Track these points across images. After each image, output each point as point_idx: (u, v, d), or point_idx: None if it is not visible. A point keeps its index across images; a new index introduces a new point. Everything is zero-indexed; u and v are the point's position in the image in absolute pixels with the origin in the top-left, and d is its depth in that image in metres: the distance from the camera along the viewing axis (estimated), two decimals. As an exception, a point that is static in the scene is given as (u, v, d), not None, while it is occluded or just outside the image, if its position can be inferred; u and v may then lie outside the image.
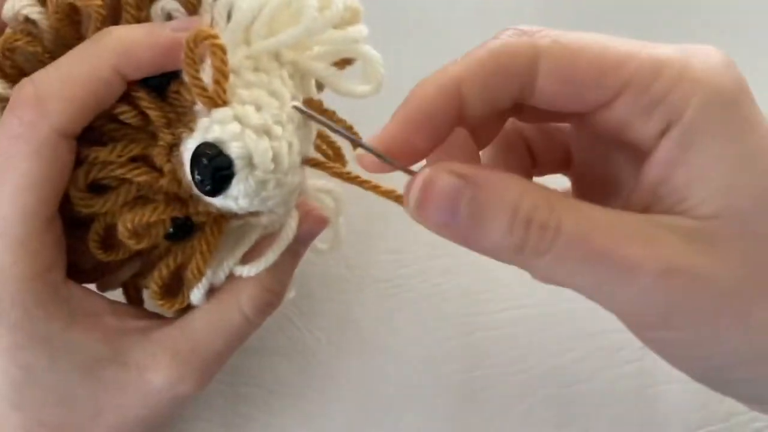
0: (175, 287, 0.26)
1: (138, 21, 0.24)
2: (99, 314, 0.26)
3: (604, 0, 0.45)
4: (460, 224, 0.20)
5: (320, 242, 0.29)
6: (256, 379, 0.33)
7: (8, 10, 0.24)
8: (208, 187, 0.22)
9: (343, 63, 0.27)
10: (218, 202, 0.23)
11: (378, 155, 0.22)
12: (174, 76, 0.24)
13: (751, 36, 0.43)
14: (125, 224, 0.24)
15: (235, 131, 0.22)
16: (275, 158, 0.23)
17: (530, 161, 0.27)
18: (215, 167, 0.22)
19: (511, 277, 0.35)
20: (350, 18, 0.27)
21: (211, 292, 0.27)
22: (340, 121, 0.26)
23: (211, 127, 0.22)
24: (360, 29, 0.26)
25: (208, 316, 0.26)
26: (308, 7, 0.24)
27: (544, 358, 0.33)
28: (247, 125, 0.22)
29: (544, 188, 0.21)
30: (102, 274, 0.28)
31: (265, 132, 0.23)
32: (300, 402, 0.32)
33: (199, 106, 0.23)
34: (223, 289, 0.26)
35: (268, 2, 0.24)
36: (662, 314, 0.20)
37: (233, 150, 0.22)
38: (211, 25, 0.24)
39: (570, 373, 0.33)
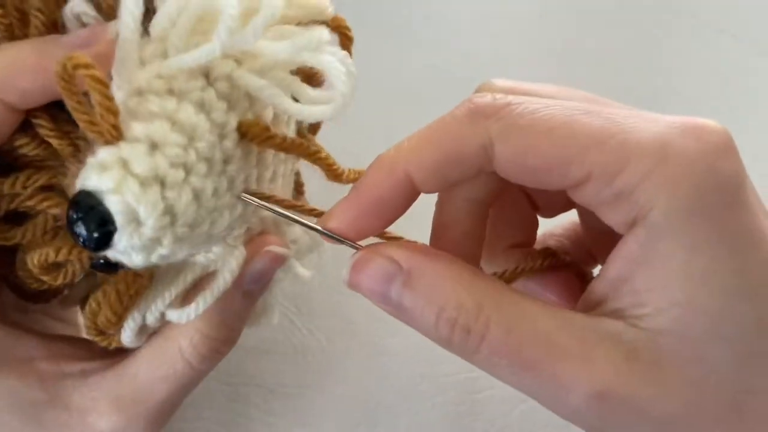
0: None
1: (48, 26, 0.21)
2: (33, 359, 0.25)
3: (602, 1, 0.45)
4: (391, 304, 0.20)
5: (303, 268, 0.27)
6: (256, 379, 0.33)
7: None
8: (88, 244, 0.19)
9: (308, 78, 0.23)
10: (109, 255, 0.20)
11: (327, 235, 0.21)
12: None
13: (752, 35, 0.43)
14: (32, 261, 0.21)
15: (113, 181, 0.18)
16: (169, 210, 0.19)
17: (530, 205, 0.25)
18: (93, 221, 0.18)
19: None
20: (315, 14, 0.23)
21: (153, 332, 0.25)
22: (299, 185, 0.23)
23: (88, 172, 0.18)
24: (317, 34, 0.21)
25: (148, 362, 0.25)
26: (227, 13, 0.19)
27: (544, 358, 0.33)
28: (130, 173, 0.18)
29: (483, 285, 0.20)
30: (54, 294, 0.26)
31: (157, 180, 0.19)
32: (300, 402, 0.32)
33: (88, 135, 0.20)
34: (165, 332, 0.25)
35: (187, 7, 0.20)
36: (598, 430, 0.19)
37: (111, 204, 0.18)
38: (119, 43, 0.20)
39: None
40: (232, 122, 0.21)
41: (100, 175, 0.18)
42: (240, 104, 0.21)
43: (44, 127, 0.21)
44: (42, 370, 0.25)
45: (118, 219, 0.18)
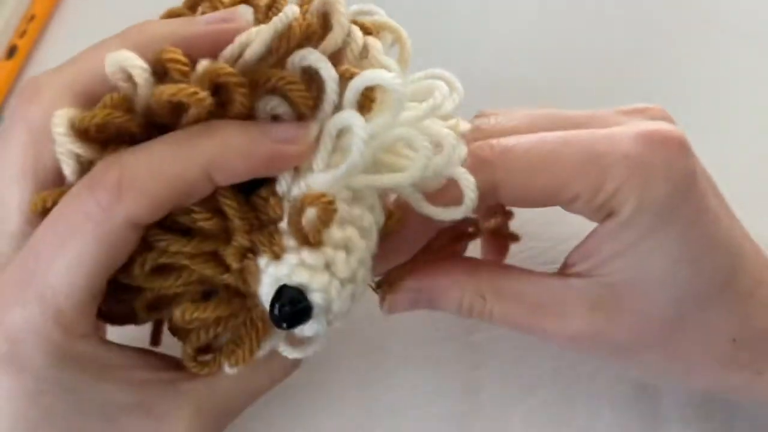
0: (208, 348, 0.26)
1: (245, 112, 0.22)
2: (130, 367, 0.25)
3: (602, 1, 0.45)
4: (424, 306, 0.28)
5: None
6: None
7: (112, 63, 0.22)
8: (283, 325, 0.22)
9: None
10: (298, 334, 0.23)
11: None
12: (267, 180, 0.23)
13: (752, 35, 0.43)
14: (183, 315, 0.23)
15: (323, 282, 0.22)
16: (351, 299, 0.23)
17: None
18: (293, 313, 0.22)
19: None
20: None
21: None
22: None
23: (298, 270, 0.22)
24: (460, 149, 0.24)
25: (237, 378, 0.26)
26: (423, 149, 0.22)
27: (544, 359, 0.33)
28: (335, 275, 0.22)
29: (482, 278, 0.27)
30: (133, 320, 0.27)
31: (351, 281, 0.22)
32: (300, 402, 0.32)
33: (285, 226, 0.22)
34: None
35: (383, 134, 0.23)
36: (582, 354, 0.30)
37: (316, 299, 0.22)
38: (318, 144, 0.22)
39: (570, 373, 0.33)
40: (382, 218, 0.25)
41: (312, 275, 0.21)
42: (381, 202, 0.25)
43: (229, 205, 0.22)
44: (137, 377, 0.25)
45: (317, 310, 0.22)
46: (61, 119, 0.22)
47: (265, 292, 0.22)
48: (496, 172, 0.25)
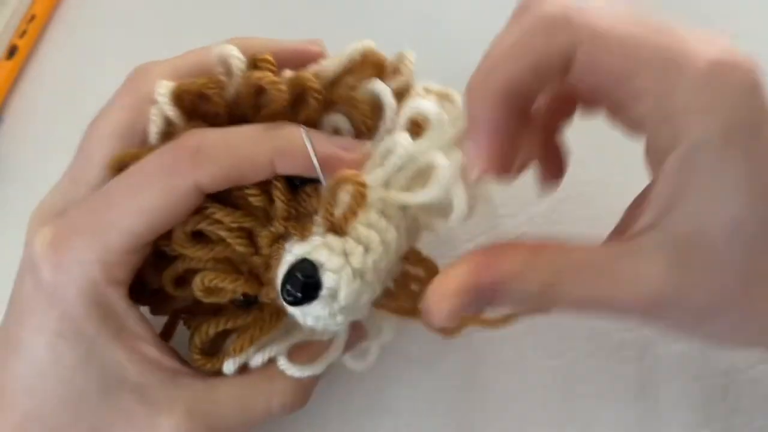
0: (214, 348, 0.27)
1: (313, 118, 0.26)
2: (143, 340, 0.26)
3: None
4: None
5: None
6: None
7: (219, 53, 0.26)
8: (290, 298, 0.23)
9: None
10: (289, 309, 0.24)
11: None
12: (313, 181, 0.25)
13: (751, 35, 0.43)
14: (203, 280, 0.25)
15: (337, 264, 0.23)
16: (357, 300, 0.24)
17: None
18: (305, 285, 0.23)
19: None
20: None
21: (246, 368, 0.27)
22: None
23: (319, 248, 0.23)
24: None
25: (234, 391, 0.26)
26: (443, 174, 0.24)
27: (543, 358, 0.33)
28: (349, 263, 0.23)
29: (539, 267, 0.23)
30: (157, 301, 0.28)
31: (361, 275, 0.24)
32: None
33: (320, 220, 0.24)
34: (260, 373, 0.27)
35: (417, 159, 0.25)
36: (658, 328, 0.24)
37: (327, 279, 0.23)
38: (368, 160, 0.25)
39: (570, 372, 0.33)
40: (404, 246, 0.26)
41: (329, 254, 0.23)
42: (412, 233, 0.27)
43: (279, 190, 0.25)
44: (146, 353, 0.26)
45: (324, 292, 0.23)
46: (165, 86, 0.25)
47: (283, 269, 0.24)
48: (577, 32, 0.21)
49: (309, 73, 0.26)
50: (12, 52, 0.44)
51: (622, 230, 0.24)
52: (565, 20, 0.21)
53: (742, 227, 0.21)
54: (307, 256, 0.23)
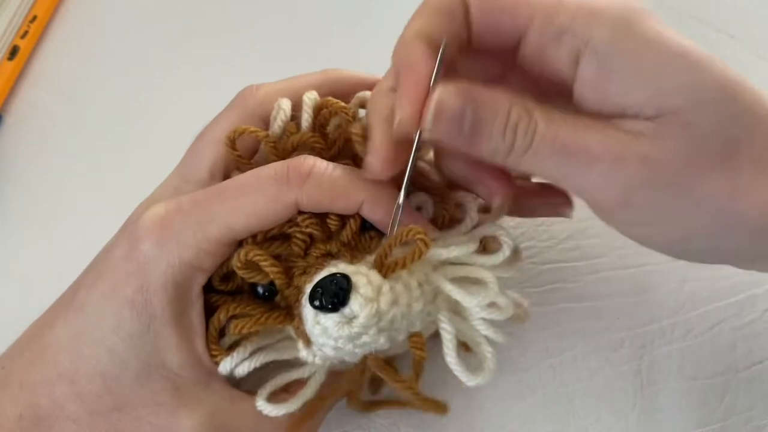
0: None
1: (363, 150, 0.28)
2: (196, 333, 0.27)
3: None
4: (465, 136, 0.25)
5: None
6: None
7: (361, 96, 0.30)
8: (315, 302, 0.25)
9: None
10: (307, 317, 0.25)
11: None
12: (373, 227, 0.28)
13: (751, 36, 0.43)
14: (247, 252, 0.26)
15: (369, 295, 0.25)
16: (361, 338, 0.25)
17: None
18: (335, 294, 0.24)
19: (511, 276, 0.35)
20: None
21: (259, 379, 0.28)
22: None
23: (361, 275, 0.25)
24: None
25: (254, 409, 0.27)
26: (492, 289, 0.26)
27: (543, 358, 0.33)
28: (378, 301, 0.25)
29: (524, 100, 0.25)
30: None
31: (379, 318, 0.25)
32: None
33: (371, 258, 0.26)
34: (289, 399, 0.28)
35: (475, 266, 0.27)
36: (621, 196, 0.24)
37: (354, 301, 0.24)
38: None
39: (569, 372, 0.33)
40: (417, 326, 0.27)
41: (365, 282, 0.25)
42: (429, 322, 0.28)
43: (354, 223, 0.27)
44: (194, 347, 0.27)
45: (346, 310, 0.24)
46: (313, 95, 0.29)
47: (322, 274, 0.25)
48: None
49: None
50: (13, 52, 0.44)
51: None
52: None
53: (707, 96, 0.24)
54: (349, 275, 0.25)
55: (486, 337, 0.27)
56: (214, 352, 0.27)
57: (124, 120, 0.43)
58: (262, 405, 0.27)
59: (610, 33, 0.24)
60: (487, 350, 0.27)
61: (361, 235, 0.27)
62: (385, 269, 0.26)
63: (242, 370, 0.27)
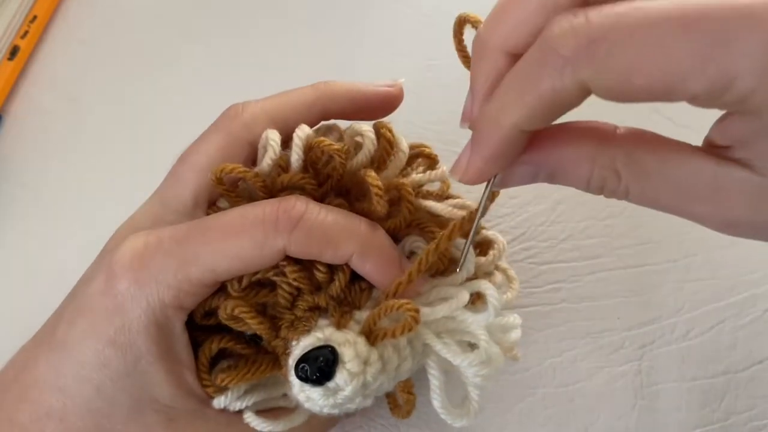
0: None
1: (398, 230, 0.28)
2: (186, 366, 0.26)
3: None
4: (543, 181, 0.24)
5: None
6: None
7: (354, 128, 0.29)
8: (300, 373, 0.24)
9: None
10: (293, 383, 0.25)
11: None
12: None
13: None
14: (233, 308, 0.26)
15: (356, 369, 0.24)
16: (347, 404, 0.25)
17: None
18: (320, 369, 0.24)
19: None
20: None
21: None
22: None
23: (349, 346, 0.24)
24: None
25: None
26: (485, 350, 0.26)
27: (543, 358, 0.33)
28: (365, 372, 0.24)
29: (617, 152, 0.23)
30: None
31: (365, 387, 0.25)
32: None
33: (359, 317, 0.26)
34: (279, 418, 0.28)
35: (466, 326, 0.26)
36: (726, 226, 0.23)
37: (340, 376, 0.24)
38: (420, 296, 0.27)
39: (569, 372, 0.33)
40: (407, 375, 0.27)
41: (352, 356, 0.24)
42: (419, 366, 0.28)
43: (343, 276, 0.26)
44: (184, 379, 0.26)
45: (331, 384, 0.24)
46: (305, 131, 0.27)
47: (309, 342, 0.25)
48: (580, 72, 0.20)
49: (409, 182, 0.28)
50: (13, 52, 0.44)
51: (711, 145, 0.23)
52: (571, 62, 0.20)
53: None
54: (335, 346, 0.24)
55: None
56: (205, 383, 0.27)
57: (124, 120, 0.43)
58: (250, 417, 0.27)
59: None
60: (473, 392, 0.26)
61: (351, 286, 0.27)
62: (374, 337, 0.25)
63: (235, 407, 0.27)
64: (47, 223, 0.40)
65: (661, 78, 0.19)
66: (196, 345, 0.27)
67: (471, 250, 0.27)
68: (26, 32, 0.45)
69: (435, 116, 0.39)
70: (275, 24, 0.45)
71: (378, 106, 0.31)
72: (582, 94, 0.20)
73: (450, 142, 0.35)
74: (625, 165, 0.22)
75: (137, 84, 0.44)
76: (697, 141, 0.23)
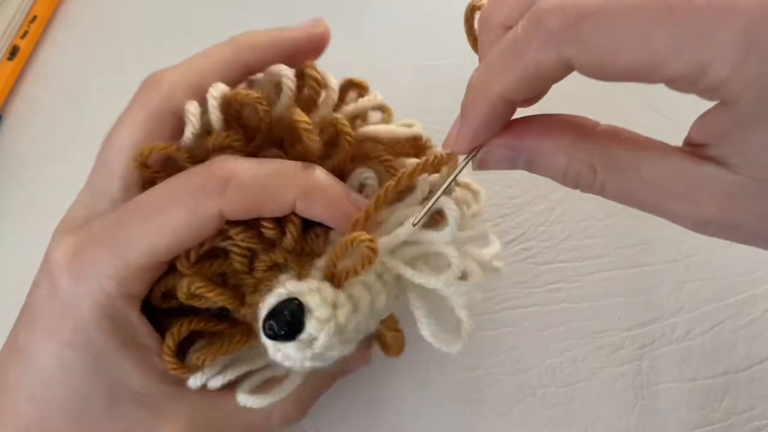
0: (182, 353, 0.27)
1: (341, 167, 0.27)
2: (152, 352, 0.26)
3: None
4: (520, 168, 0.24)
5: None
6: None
7: (272, 71, 0.27)
8: (269, 332, 0.23)
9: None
10: (267, 345, 0.24)
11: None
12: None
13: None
14: (190, 285, 0.25)
15: (325, 315, 0.23)
16: (328, 352, 0.24)
17: None
18: (288, 324, 0.23)
19: (511, 276, 0.35)
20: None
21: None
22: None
23: (313, 293, 0.23)
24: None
25: (236, 405, 0.26)
26: (454, 263, 0.25)
27: (543, 358, 0.33)
28: (336, 317, 0.23)
29: (594, 147, 0.23)
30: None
31: (341, 332, 0.24)
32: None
33: (320, 264, 0.25)
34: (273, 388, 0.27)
35: (432, 245, 0.25)
36: (699, 225, 0.23)
37: (310, 326, 0.23)
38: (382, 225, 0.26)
39: (569, 372, 0.33)
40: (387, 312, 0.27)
41: (321, 304, 0.23)
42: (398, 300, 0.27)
43: (293, 226, 0.25)
44: (153, 365, 0.26)
45: (303, 336, 0.23)
46: (219, 89, 0.26)
47: (272, 300, 0.24)
48: (564, 47, 0.20)
49: (344, 115, 0.27)
50: (13, 52, 0.44)
51: (690, 143, 0.23)
52: (556, 37, 0.21)
53: None
54: (299, 297, 0.23)
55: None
56: (170, 366, 0.26)
57: (124, 120, 0.43)
58: (244, 398, 0.26)
59: (759, 102, 0.20)
60: (462, 313, 0.25)
61: (306, 236, 0.26)
62: (337, 278, 0.24)
63: (216, 383, 0.26)
64: (46, 224, 0.40)
65: (643, 59, 0.20)
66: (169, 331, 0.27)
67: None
68: (26, 32, 0.45)
69: (435, 116, 0.39)
70: (276, 24, 0.45)
71: (303, 49, 0.29)
72: (565, 69, 0.21)
73: (450, 142, 0.35)
74: (602, 161, 0.23)
75: (137, 84, 0.44)
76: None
